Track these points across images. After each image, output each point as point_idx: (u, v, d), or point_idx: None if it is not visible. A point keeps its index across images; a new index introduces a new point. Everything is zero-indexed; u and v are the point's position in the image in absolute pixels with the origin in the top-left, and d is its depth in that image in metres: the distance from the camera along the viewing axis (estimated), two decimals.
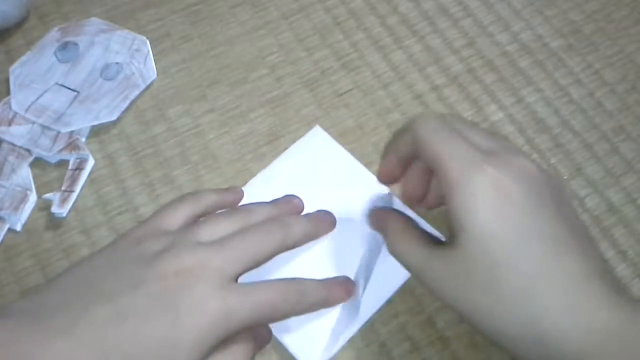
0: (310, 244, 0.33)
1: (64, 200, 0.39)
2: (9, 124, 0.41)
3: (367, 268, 0.35)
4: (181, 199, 0.32)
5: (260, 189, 0.38)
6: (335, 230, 0.35)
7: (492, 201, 0.24)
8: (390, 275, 0.35)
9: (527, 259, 0.24)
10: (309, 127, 0.42)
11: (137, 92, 0.43)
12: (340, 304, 0.33)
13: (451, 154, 0.25)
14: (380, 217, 0.31)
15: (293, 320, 0.30)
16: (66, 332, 0.24)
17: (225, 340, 0.26)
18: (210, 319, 0.25)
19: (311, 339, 0.34)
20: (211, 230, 0.29)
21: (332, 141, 0.40)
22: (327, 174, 0.39)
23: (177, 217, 0.30)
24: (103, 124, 0.41)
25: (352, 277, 0.34)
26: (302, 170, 0.39)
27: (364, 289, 0.35)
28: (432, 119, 0.27)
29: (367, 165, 0.39)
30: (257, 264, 0.29)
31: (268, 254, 0.29)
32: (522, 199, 0.24)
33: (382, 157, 0.30)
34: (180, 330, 0.25)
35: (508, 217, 0.24)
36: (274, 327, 0.31)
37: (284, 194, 0.35)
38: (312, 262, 0.35)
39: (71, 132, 0.41)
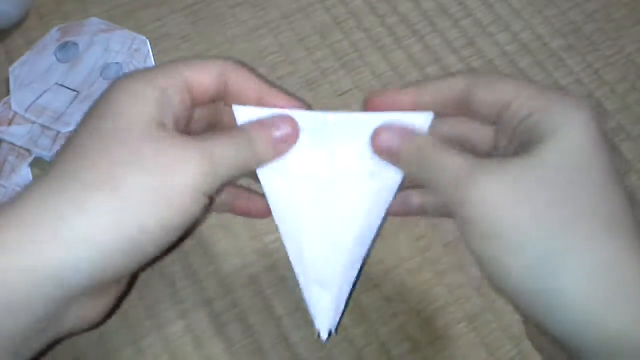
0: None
1: None
2: (9, 124, 0.41)
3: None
4: None
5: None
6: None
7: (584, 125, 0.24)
8: (368, 214, 0.31)
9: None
10: None
11: None
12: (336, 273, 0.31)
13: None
14: (391, 132, 0.27)
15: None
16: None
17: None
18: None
19: (320, 307, 0.31)
20: None
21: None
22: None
23: None
24: None
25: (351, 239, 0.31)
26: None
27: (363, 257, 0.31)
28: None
29: None
30: None
31: None
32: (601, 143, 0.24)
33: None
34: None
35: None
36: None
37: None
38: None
39: (71, 132, 0.41)
